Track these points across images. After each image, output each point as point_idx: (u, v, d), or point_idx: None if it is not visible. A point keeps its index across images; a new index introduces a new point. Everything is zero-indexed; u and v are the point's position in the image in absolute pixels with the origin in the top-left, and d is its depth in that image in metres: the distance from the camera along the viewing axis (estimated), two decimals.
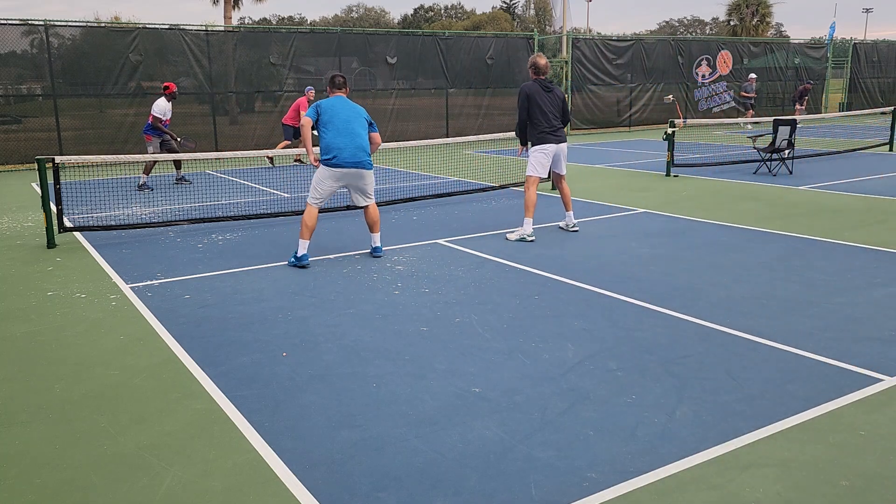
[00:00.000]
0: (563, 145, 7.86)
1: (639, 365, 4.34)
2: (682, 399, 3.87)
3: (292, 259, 6.81)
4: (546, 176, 7.94)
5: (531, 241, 7.65)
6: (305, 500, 3.00)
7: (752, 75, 22.65)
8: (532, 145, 7.82)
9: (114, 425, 3.70)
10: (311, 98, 14.19)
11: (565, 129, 7.93)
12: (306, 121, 6.73)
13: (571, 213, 8.19)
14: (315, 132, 6.87)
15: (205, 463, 3.31)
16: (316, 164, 6.84)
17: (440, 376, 4.22)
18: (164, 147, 11.63)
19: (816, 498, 2.97)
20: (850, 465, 3.21)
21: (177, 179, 12.43)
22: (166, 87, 11.75)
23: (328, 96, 6.97)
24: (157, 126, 11.56)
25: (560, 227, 8.30)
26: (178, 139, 11.76)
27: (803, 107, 22.57)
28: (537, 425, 3.61)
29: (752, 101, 22.00)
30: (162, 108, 11.53)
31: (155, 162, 11.86)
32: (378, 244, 7.13)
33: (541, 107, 7.67)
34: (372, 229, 7.12)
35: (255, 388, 4.10)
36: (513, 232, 7.88)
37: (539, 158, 7.76)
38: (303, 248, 6.72)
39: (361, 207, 7.09)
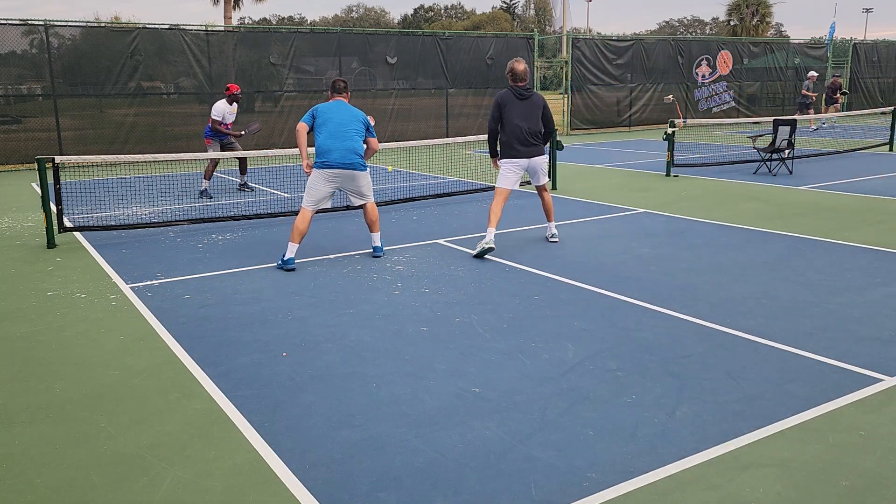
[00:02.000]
0: (538, 159, 7.30)
1: (639, 365, 4.34)
2: (682, 399, 3.87)
3: (279, 262, 6.77)
4: (515, 188, 7.41)
5: (490, 248, 6.95)
6: (305, 500, 3.00)
7: (813, 73, 21.13)
8: (502, 158, 7.32)
9: (114, 425, 3.70)
10: None
11: (545, 141, 7.40)
12: (301, 126, 6.76)
13: (552, 223, 7.71)
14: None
15: (205, 463, 3.32)
16: (308, 170, 6.86)
17: (440, 376, 4.22)
18: (228, 149, 11.09)
19: (816, 498, 2.97)
20: (850, 465, 3.21)
21: (240, 185, 11.77)
22: (227, 89, 11.21)
23: (329, 100, 7.00)
24: (216, 129, 11.02)
25: (546, 238, 7.77)
26: (243, 132, 11.23)
27: (838, 103, 21.72)
28: (537, 425, 3.61)
29: (811, 101, 20.36)
30: (220, 110, 11.00)
31: (216, 165, 11.22)
32: (378, 244, 7.13)
33: (511, 118, 7.10)
34: (371, 228, 7.12)
35: (255, 388, 4.10)
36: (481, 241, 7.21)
37: (508, 169, 7.28)
38: (291, 251, 6.66)
39: (359, 207, 7.09)
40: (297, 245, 6.71)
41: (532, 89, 7.35)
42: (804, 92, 20.72)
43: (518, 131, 7.13)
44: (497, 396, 3.94)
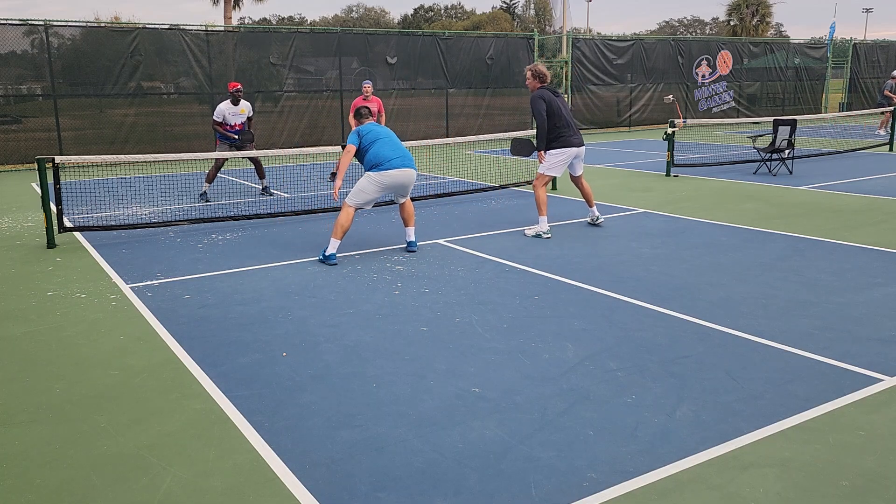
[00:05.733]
0: (583, 148, 8.08)
1: (639, 365, 4.34)
2: (682, 399, 3.87)
3: (321, 256, 6.96)
4: (559, 175, 8.14)
5: (547, 237, 7.80)
6: (305, 500, 3.00)
7: None
8: (552, 148, 7.93)
9: (114, 425, 3.70)
10: (368, 93, 12.40)
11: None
12: (351, 147, 7.06)
13: (594, 208, 8.43)
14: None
15: (205, 463, 3.31)
16: (337, 194, 7.03)
17: (440, 376, 4.22)
18: (239, 150, 10.70)
19: (816, 498, 2.97)
20: (850, 465, 3.21)
21: (262, 189, 11.43)
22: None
23: (359, 125, 7.29)
24: (216, 129, 10.72)
25: (588, 223, 8.53)
26: (237, 137, 10.81)
27: None
28: (537, 425, 3.61)
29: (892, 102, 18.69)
30: (220, 110, 10.66)
31: (218, 168, 10.86)
32: (413, 238, 7.34)
33: (560, 112, 7.85)
34: (406, 223, 7.37)
35: (255, 388, 4.10)
36: (530, 228, 8.08)
37: (558, 159, 7.93)
38: (333, 247, 6.86)
39: (399, 203, 7.41)
40: (340, 242, 6.91)
41: (558, 87, 7.97)
42: (886, 93, 19.56)
43: (568, 123, 7.92)
44: (497, 396, 3.94)
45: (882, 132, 19.55)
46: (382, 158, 6.99)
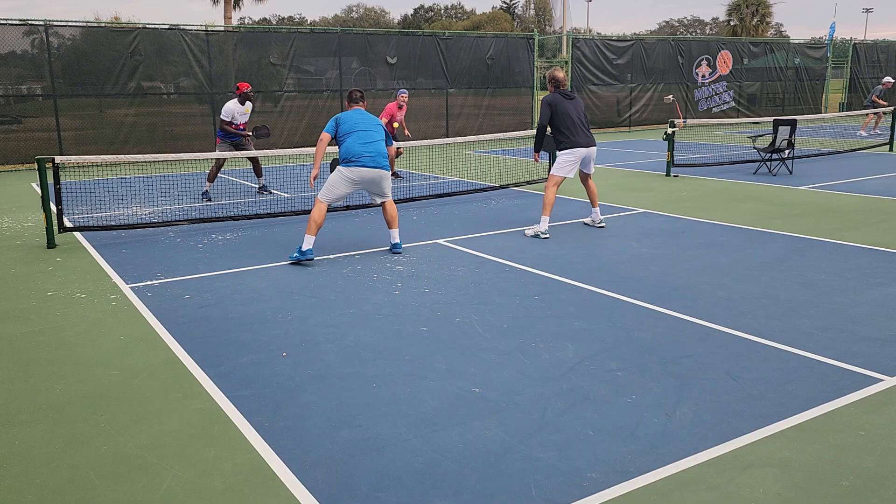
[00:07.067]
0: (593, 149, 8.12)
1: (639, 365, 4.34)
2: (682, 399, 3.87)
3: (295, 254, 6.88)
4: (571, 176, 8.19)
5: (545, 238, 7.81)
6: (305, 500, 3.00)
7: (889, 79, 20.01)
8: (561, 149, 8.03)
9: (114, 425, 3.70)
10: (403, 102, 12.78)
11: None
12: (325, 136, 7.04)
13: (597, 209, 8.45)
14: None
15: (205, 463, 3.31)
16: (313, 183, 7.08)
17: (440, 376, 4.22)
18: (240, 150, 10.79)
19: (816, 498, 2.97)
20: (850, 465, 3.22)
21: (259, 188, 11.50)
22: (237, 88, 10.89)
23: (346, 109, 7.30)
24: (224, 129, 10.71)
25: (585, 224, 8.53)
26: (250, 134, 10.95)
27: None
28: (537, 425, 3.61)
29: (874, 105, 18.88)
30: (229, 110, 10.70)
31: (220, 167, 10.89)
32: (397, 240, 7.31)
33: (568, 114, 7.94)
34: (390, 225, 7.32)
35: (255, 388, 4.10)
36: (530, 228, 8.09)
37: (567, 160, 8.00)
38: (308, 242, 6.83)
39: (379, 205, 7.35)
40: (314, 237, 6.88)
41: (572, 91, 8.22)
42: (875, 98, 19.68)
43: (577, 125, 7.99)
44: (497, 396, 3.94)
45: (863, 133, 19.58)
46: (353, 154, 6.94)
